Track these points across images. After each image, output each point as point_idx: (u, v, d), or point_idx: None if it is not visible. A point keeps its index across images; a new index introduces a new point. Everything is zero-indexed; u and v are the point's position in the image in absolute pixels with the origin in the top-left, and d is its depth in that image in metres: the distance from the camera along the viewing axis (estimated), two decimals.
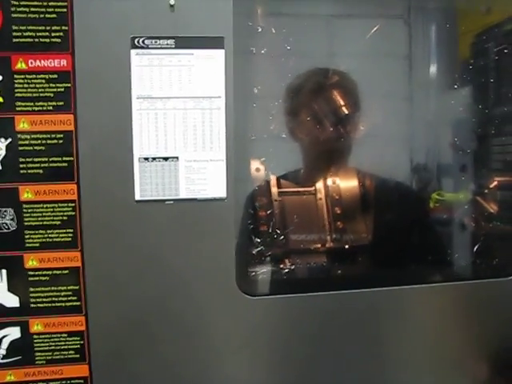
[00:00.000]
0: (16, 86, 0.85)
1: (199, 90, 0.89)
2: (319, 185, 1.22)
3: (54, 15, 0.84)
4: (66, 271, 0.90)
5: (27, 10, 0.84)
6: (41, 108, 0.86)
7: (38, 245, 0.89)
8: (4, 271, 0.88)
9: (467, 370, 1.08)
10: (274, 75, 1.02)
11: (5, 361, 0.90)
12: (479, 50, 1.22)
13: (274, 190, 1.19)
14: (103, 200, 0.89)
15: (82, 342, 0.92)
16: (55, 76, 0.86)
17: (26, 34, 0.84)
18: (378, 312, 1.02)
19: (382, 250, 1.19)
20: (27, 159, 0.87)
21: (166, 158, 0.90)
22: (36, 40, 0.84)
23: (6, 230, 0.87)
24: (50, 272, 0.89)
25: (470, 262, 1.23)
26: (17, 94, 0.85)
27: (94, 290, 0.90)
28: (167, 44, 0.87)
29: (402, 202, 1.23)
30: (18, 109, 0.86)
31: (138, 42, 0.86)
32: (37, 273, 0.89)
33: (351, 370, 1.02)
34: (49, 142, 0.87)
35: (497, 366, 1.09)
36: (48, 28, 0.84)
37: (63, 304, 0.90)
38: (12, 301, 0.89)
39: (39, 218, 0.88)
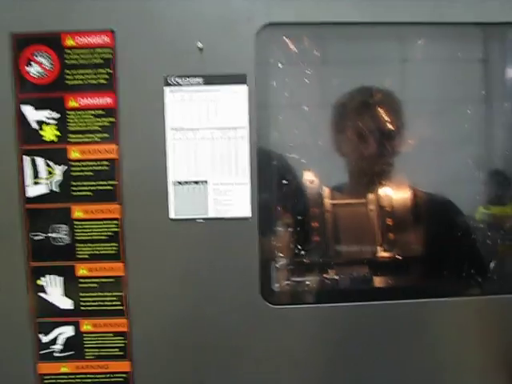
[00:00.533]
0: (69, 120, 0.99)
1: (225, 121, 1.00)
2: (371, 196, 1.26)
3: (101, 60, 0.98)
4: (112, 279, 1.03)
5: (78, 57, 0.98)
6: (89, 139, 1.00)
7: (87, 256, 1.03)
8: (59, 278, 1.03)
9: None
10: (295, 106, 1.11)
11: (60, 355, 1.05)
12: None
13: (327, 201, 1.25)
14: (143, 218, 1.02)
15: (125, 342, 1.05)
16: (101, 112, 0.99)
17: (77, 76, 0.98)
18: (418, 324, 1.08)
19: (431, 263, 1.24)
20: (78, 183, 1.01)
21: (196, 182, 1.01)
22: (85, 82, 0.98)
23: (61, 243, 1.02)
24: (97, 280, 1.03)
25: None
26: (69, 128, 1.00)
27: (135, 296, 1.03)
28: (196, 81, 0.99)
29: (448, 216, 1.26)
30: (70, 140, 1.00)
31: (171, 80, 0.98)
32: (86, 280, 1.03)
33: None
34: (96, 168, 1.00)
35: None
36: (95, 71, 0.98)
37: (109, 308, 1.04)
38: (66, 303, 1.04)
39: (88, 233, 1.02)
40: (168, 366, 1.05)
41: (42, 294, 1.03)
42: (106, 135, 1.00)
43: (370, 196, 1.26)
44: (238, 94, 0.99)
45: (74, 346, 1.05)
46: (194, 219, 1.02)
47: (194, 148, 1.01)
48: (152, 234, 1.02)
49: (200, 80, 0.99)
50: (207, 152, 1.01)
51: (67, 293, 1.03)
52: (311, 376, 1.09)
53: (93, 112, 0.99)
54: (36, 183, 1.00)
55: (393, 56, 1.17)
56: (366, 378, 1.09)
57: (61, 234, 1.02)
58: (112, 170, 1.00)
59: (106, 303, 1.04)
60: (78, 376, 1.06)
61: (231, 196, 1.02)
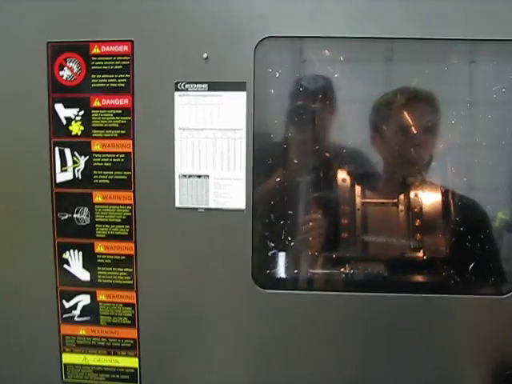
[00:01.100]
0: (93, 118, 1.15)
1: (226, 123, 1.12)
2: (401, 196, 1.32)
3: (121, 66, 1.13)
4: (123, 257, 1.19)
5: (102, 63, 1.13)
6: (109, 135, 1.15)
7: (104, 236, 1.19)
8: (80, 253, 1.20)
9: None
10: (289, 112, 1.22)
11: (79, 319, 1.22)
12: None
13: (358, 199, 1.32)
14: (152, 205, 1.16)
15: (133, 312, 1.20)
16: (120, 111, 1.14)
17: (101, 80, 1.14)
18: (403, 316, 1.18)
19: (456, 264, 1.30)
20: (99, 172, 1.17)
21: (199, 176, 1.15)
22: (107, 85, 1.14)
23: (82, 224, 1.19)
24: (111, 257, 1.19)
25: None
26: (93, 124, 1.15)
27: (143, 272, 1.18)
28: (202, 87, 1.12)
29: (476, 219, 1.30)
30: (93, 135, 1.16)
31: (180, 85, 1.12)
32: (103, 256, 1.19)
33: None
34: (114, 160, 1.16)
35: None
36: (116, 76, 1.13)
37: (120, 281, 1.19)
38: (85, 275, 1.20)
39: (105, 216, 1.18)
40: (169, 335, 1.20)
41: (65, 266, 1.20)
42: (122, 132, 1.15)
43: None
44: (238, 99, 1.11)
45: (91, 313, 1.21)
46: (196, 208, 1.16)
47: (198, 146, 1.14)
48: (159, 219, 1.17)
49: (205, 86, 1.12)
50: (209, 150, 1.14)
51: (86, 266, 1.20)
52: (298, 357, 1.20)
53: (113, 111, 1.14)
54: (63, 170, 1.17)
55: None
56: (350, 360, 1.20)
57: (83, 215, 1.18)
58: (127, 162, 1.15)
59: (119, 277, 1.19)
60: (93, 339, 1.22)
61: (229, 190, 1.14)
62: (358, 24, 1.08)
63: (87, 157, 1.16)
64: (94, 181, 1.17)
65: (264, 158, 1.15)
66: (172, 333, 1.20)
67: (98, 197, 1.18)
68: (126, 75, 1.13)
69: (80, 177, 1.17)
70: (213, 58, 1.11)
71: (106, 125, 1.15)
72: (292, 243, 1.23)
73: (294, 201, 1.24)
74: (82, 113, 1.15)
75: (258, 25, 1.09)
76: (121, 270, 1.19)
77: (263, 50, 1.10)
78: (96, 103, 1.15)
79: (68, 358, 1.23)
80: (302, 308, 1.17)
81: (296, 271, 1.24)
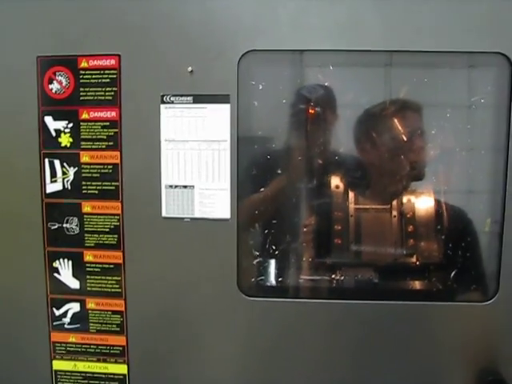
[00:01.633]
0: (81, 130, 1.18)
1: (210, 135, 1.15)
2: (394, 202, 1.34)
3: (108, 80, 1.16)
4: (112, 266, 1.21)
5: (90, 76, 1.16)
6: (97, 146, 1.18)
7: (93, 245, 1.21)
8: (70, 262, 1.22)
9: None
10: (272, 123, 1.24)
11: (69, 327, 1.24)
12: None
13: (351, 206, 1.34)
14: (139, 215, 1.19)
15: (121, 319, 1.23)
16: (107, 123, 1.17)
17: (89, 93, 1.17)
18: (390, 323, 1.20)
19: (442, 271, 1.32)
20: (87, 183, 1.19)
21: (185, 186, 1.17)
22: (95, 97, 1.17)
23: (72, 233, 1.21)
24: (100, 265, 1.21)
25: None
26: (81, 136, 1.18)
27: (131, 280, 1.21)
28: (187, 100, 1.14)
29: (463, 227, 1.31)
30: (82, 147, 1.19)
31: (166, 98, 1.15)
32: (92, 265, 1.22)
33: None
34: (102, 171, 1.19)
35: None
36: (104, 89, 1.16)
37: (109, 290, 1.22)
38: (75, 284, 1.23)
39: (94, 226, 1.21)
40: (157, 342, 1.22)
41: (56, 275, 1.23)
42: (110, 143, 1.17)
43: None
44: (222, 111, 1.14)
45: (81, 320, 1.24)
46: (182, 218, 1.18)
47: (183, 157, 1.16)
48: (146, 228, 1.19)
49: (190, 99, 1.14)
50: (194, 161, 1.16)
51: (76, 275, 1.23)
52: (285, 364, 1.22)
53: (100, 123, 1.17)
54: (53, 181, 1.20)
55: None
56: (338, 368, 1.21)
57: (73, 225, 1.21)
58: (115, 173, 1.18)
59: (108, 285, 1.22)
60: (83, 346, 1.25)
61: (214, 200, 1.17)
62: (341, 36, 1.11)
63: (76, 168, 1.19)
64: (83, 191, 1.20)
65: (248, 169, 1.18)
66: (160, 340, 1.22)
67: (86, 207, 1.20)
68: (114, 88, 1.16)
69: (69, 187, 1.20)
70: (197, 71, 1.13)
71: (94, 137, 1.18)
72: (277, 252, 1.25)
73: (280, 209, 1.27)
74: (70, 125, 1.18)
75: (241, 38, 1.12)
76: (109, 278, 1.22)
77: (247, 62, 1.13)
78: (84, 116, 1.17)
79: (58, 364, 1.26)
80: (288, 316, 1.19)
81: (281, 279, 1.27)
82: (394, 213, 1.34)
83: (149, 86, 1.15)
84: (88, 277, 1.22)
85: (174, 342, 1.22)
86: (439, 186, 1.34)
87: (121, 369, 1.24)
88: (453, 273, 1.28)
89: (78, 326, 1.24)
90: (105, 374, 1.25)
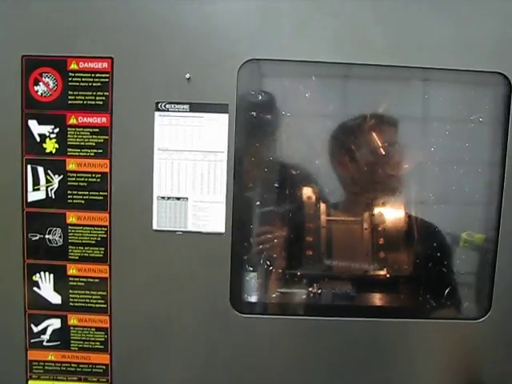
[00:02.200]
0: (68, 136, 1.11)
1: (207, 145, 1.10)
2: (366, 215, 1.32)
3: (99, 84, 1.09)
4: (97, 280, 1.14)
5: (80, 79, 1.09)
6: (85, 154, 1.11)
7: (77, 257, 1.14)
8: (51, 275, 1.15)
9: None
10: (270, 134, 1.21)
11: (48, 344, 1.17)
12: None
13: (323, 217, 1.31)
14: (128, 227, 1.13)
15: (106, 336, 1.16)
16: (97, 130, 1.10)
17: (78, 97, 1.10)
18: (378, 341, 1.18)
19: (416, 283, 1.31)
20: (73, 192, 1.12)
21: (178, 198, 1.12)
22: (85, 102, 1.10)
23: (55, 245, 1.14)
24: (85, 279, 1.15)
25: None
26: (68, 142, 1.11)
27: (117, 296, 1.14)
28: (183, 108, 1.09)
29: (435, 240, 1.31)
30: (68, 153, 1.11)
31: (161, 106, 1.09)
32: (75, 279, 1.15)
33: None
34: (90, 180, 1.12)
35: None
36: (94, 93, 1.10)
37: (93, 305, 1.15)
38: (56, 298, 1.15)
39: (79, 237, 1.14)
40: (143, 361, 1.16)
41: (35, 289, 1.15)
42: (99, 151, 1.11)
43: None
44: (220, 121, 1.09)
45: (61, 337, 1.17)
46: (174, 231, 1.13)
47: (177, 167, 1.11)
48: (136, 241, 1.13)
49: (186, 107, 1.09)
50: (189, 172, 1.11)
51: (58, 289, 1.15)
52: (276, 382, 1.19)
53: (90, 129, 1.10)
54: (36, 189, 1.12)
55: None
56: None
57: (55, 236, 1.14)
58: (103, 183, 1.12)
59: (92, 301, 1.15)
60: (63, 364, 1.17)
61: (208, 213, 1.12)
62: (343, 49, 1.09)
63: (61, 176, 1.12)
64: (68, 201, 1.13)
65: (245, 182, 1.14)
66: (146, 358, 1.16)
67: (71, 217, 1.13)
68: (105, 93, 1.10)
69: (53, 196, 1.12)
70: (195, 79, 1.08)
71: (82, 143, 1.11)
72: (271, 267, 1.22)
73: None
74: (57, 130, 1.11)
75: (242, 47, 1.08)
76: (94, 293, 1.15)
77: (247, 72, 1.09)
78: (72, 121, 1.11)
79: None
80: (282, 333, 1.16)
81: (274, 295, 1.23)
82: (365, 225, 1.33)
83: (143, 91, 1.09)
84: (71, 291, 1.15)
85: (161, 361, 1.16)
86: (412, 200, 1.35)
87: None
88: (423, 288, 1.28)
89: (59, 343, 1.16)
90: None
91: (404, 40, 1.11)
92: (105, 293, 1.15)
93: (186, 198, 1.12)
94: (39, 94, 1.10)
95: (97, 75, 1.09)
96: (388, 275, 1.31)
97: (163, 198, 1.12)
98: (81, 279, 1.15)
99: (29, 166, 1.12)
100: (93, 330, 1.16)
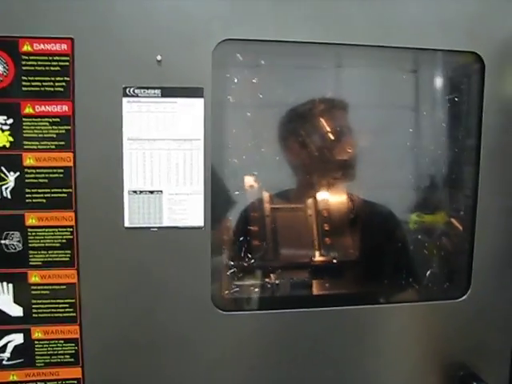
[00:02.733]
0: (24, 127, 0.99)
1: (181, 133, 1.02)
2: (310, 202, 1.31)
3: (58, 68, 0.98)
4: (64, 286, 1.03)
5: (35, 63, 0.97)
6: (45, 146, 1.00)
7: (40, 263, 1.02)
8: (10, 285, 1.02)
9: None
10: (248, 120, 1.15)
11: (9, 363, 1.04)
12: None
13: (267, 206, 1.28)
14: (97, 226, 1.02)
15: (76, 348, 1.05)
16: (58, 119, 0.99)
17: (34, 83, 0.98)
18: (353, 328, 1.14)
19: (366, 268, 1.31)
20: (32, 190, 1.00)
21: (151, 191, 1.03)
22: (42, 89, 0.98)
23: (13, 250, 1.01)
24: (50, 287, 1.03)
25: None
26: (25, 135, 0.99)
27: (87, 303, 1.04)
28: (154, 93, 1.01)
29: (383, 222, 1.33)
30: (25, 147, 0.99)
31: (129, 91, 1.00)
32: (39, 287, 1.03)
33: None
34: (51, 175, 1.00)
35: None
36: (52, 79, 0.98)
37: (61, 314, 1.04)
38: (16, 311, 1.03)
39: (41, 241, 1.02)
40: (120, 370, 1.07)
41: None
42: (61, 143, 1.00)
43: (310, 201, 1.31)
44: (195, 106, 1.02)
45: (24, 354, 1.04)
46: (148, 228, 1.04)
47: (150, 158, 1.02)
48: (106, 241, 1.03)
49: (158, 92, 1.01)
50: (163, 162, 1.03)
51: (18, 300, 1.03)
52: (258, 380, 1.13)
53: (49, 119, 0.99)
54: None
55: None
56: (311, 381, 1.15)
57: (13, 241, 1.01)
58: (67, 178, 1.01)
59: (59, 310, 1.04)
60: None
61: (186, 206, 1.04)
62: (320, 28, 1.04)
63: (18, 173, 0.99)
64: (27, 200, 1.00)
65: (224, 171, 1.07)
66: (123, 368, 1.06)
67: (31, 219, 1.01)
68: (65, 78, 0.98)
69: (9, 196, 1.00)
70: (167, 61, 0.99)
71: (40, 135, 0.99)
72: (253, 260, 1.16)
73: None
74: (10, 121, 0.98)
75: (216, 26, 1.00)
76: (61, 301, 1.03)
77: (222, 53, 1.02)
78: (28, 110, 0.98)
79: None
80: (267, 329, 1.10)
81: (256, 290, 1.17)
82: (310, 212, 1.32)
83: (109, 76, 0.99)
84: (34, 301, 1.03)
85: (139, 369, 1.07)
86: (358, 184, 1.35)
87: None
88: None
89: (22, 360, 1.04)
90: None
91: (379, 19, 1.08)
92: (73, 300, 1.03)
93: (161, 191, 1.03)
94: None
95: (55, 58, 0.98)
96: (335, 260, 1.30)
97: (135, 192, 1.03)
98: (45, 287, 1.03)
99: None
100: (61, 342, 1.05)
